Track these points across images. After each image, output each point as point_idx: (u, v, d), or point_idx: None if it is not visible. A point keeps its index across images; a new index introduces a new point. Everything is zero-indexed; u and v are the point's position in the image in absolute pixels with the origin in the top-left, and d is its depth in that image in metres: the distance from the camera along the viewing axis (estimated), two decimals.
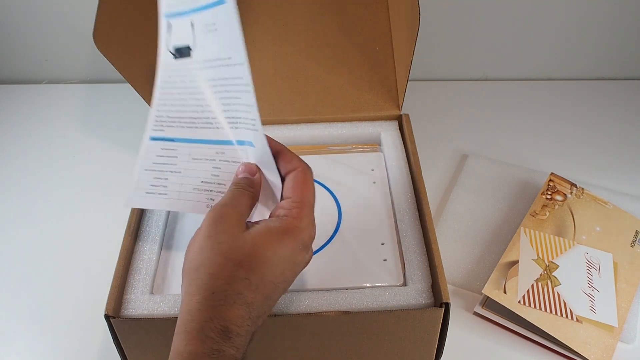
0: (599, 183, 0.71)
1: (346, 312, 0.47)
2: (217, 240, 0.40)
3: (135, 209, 0.56)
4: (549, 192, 0.66)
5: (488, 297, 0.57)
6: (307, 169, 0.45)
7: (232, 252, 0.39)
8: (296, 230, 0.42)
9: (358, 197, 0.59)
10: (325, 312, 0.48)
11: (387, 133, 0.65)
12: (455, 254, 0.63)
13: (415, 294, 0.49)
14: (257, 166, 0.46)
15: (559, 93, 0.87)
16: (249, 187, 0.44)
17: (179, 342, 0.36)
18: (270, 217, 0.45)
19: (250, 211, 0.44)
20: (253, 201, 0.45)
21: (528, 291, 0.56)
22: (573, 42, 0.86)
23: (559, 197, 0.66)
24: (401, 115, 0.66)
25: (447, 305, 0.47)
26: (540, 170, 0.72)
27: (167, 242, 0.56)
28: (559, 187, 0.67)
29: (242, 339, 0.38)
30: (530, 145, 0.78)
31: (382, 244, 0.54)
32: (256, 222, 0.43)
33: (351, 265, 0.53)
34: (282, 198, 0.46)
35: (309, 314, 0.47)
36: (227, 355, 0.36)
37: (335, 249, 0.54)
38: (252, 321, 0.39)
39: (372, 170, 0.62)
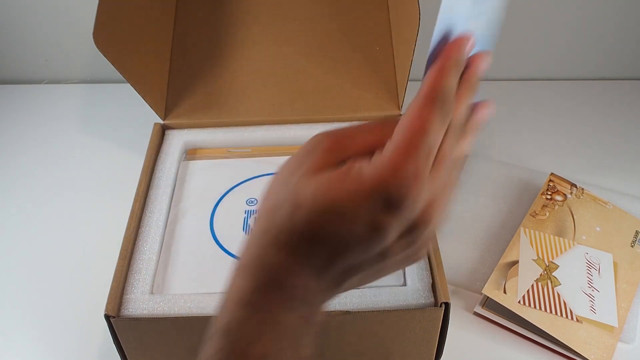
0: (599, 183, 0.71)
1: (346, 312, 0.47)
2: None
3: (135, 208, 0.56)
4: (549, 192, 0.66)
5: (488, 297, 0.57)
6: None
7: None
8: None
9: None
10: (325, 312, 0.48)
11: None
12: (455, 254, 0.63)
13: (415, 294, 0.49)
14: None
15: (559, 93, 0.87)
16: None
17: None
18: None
19: None
20: None
21: (528, 291, 0.56)
22: (573, 42, 0.86)
23: (559, 197, 0.66)
24: (401, 115, 0.66)
25: (447, 305, 0.47)
26: (540, 170, 0.72)
27: (167, 242, 0.56)
28: (559, 187, 0.67)
29: None
30: (530, 145, 0.78)
31: None
32: None
33: None
34: None
35: None
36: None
37: None
38: None
39: None
